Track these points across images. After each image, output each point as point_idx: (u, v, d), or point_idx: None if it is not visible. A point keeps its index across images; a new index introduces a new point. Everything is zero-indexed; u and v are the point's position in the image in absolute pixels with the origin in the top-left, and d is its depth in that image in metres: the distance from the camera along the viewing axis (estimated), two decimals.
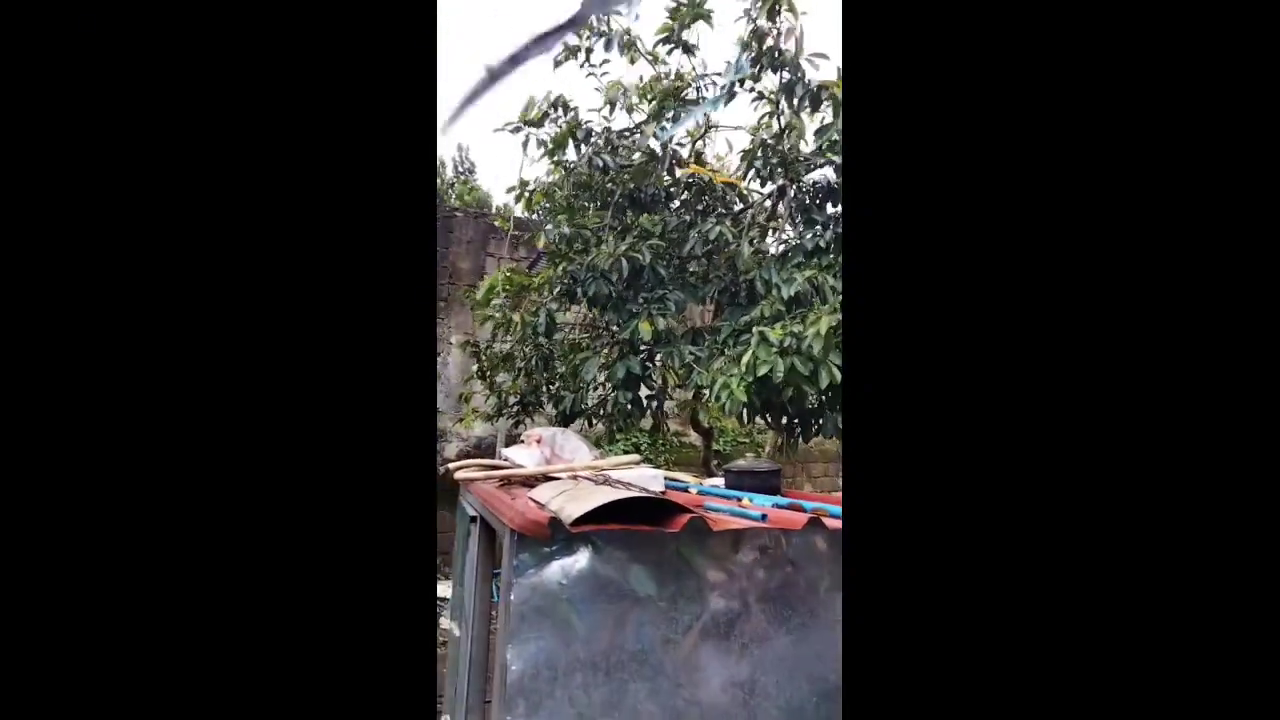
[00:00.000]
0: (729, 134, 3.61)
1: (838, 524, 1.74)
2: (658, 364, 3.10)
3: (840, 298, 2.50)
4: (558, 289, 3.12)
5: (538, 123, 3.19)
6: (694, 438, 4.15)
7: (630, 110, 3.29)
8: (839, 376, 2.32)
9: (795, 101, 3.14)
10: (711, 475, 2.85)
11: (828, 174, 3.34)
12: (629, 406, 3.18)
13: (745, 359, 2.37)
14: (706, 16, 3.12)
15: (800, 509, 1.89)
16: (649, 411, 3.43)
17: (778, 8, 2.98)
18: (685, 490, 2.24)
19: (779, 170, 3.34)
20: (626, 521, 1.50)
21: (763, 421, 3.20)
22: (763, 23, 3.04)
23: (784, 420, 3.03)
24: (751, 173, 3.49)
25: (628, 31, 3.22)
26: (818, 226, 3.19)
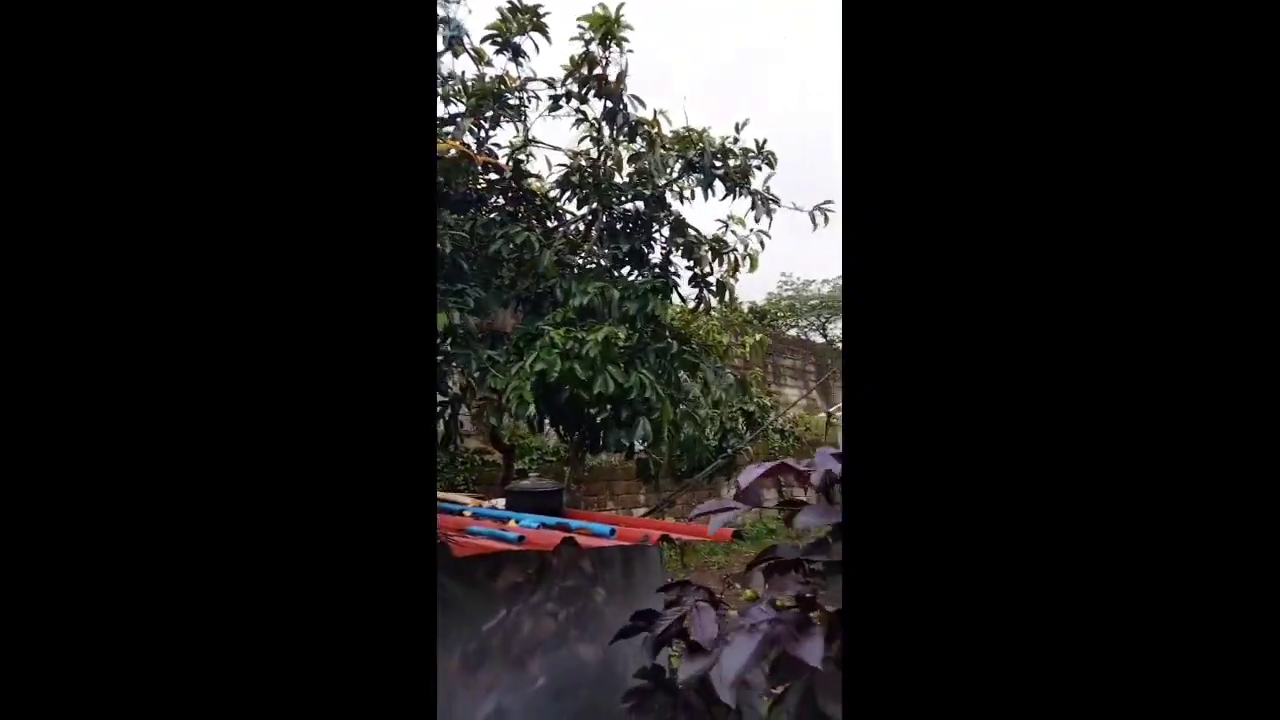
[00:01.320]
0: (548, 152, 3.66)
1: (594, 542, 1.76)
2: (454, 368, 2.93)
3: (624, 312, 2.63)
4: None
5: None
6: (497, 456, 3.99)
7: (447, 101, 3.16)
8: (612, 386, 2.42)
9: (614, 131, 3.31)
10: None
11: (639, 205, 3.57)
12: None
13: (530, 360, 2.36)
14: (543, 28, 3.16)
15: (566, 529, 1.89)
16: (441, 421, 3.22)
17: (609, 40, 3.14)
18: (459, 514, 2.12)
19: (593, 195, 3.47)
20: None
21: (555, 434, 3.19)
22: (594, 49, 3.17)
23: (575, 434, 3.06)
24: (568, 194, 3.59)
25: (454, 21, 3.13)
26: (622, 247, 3.36)
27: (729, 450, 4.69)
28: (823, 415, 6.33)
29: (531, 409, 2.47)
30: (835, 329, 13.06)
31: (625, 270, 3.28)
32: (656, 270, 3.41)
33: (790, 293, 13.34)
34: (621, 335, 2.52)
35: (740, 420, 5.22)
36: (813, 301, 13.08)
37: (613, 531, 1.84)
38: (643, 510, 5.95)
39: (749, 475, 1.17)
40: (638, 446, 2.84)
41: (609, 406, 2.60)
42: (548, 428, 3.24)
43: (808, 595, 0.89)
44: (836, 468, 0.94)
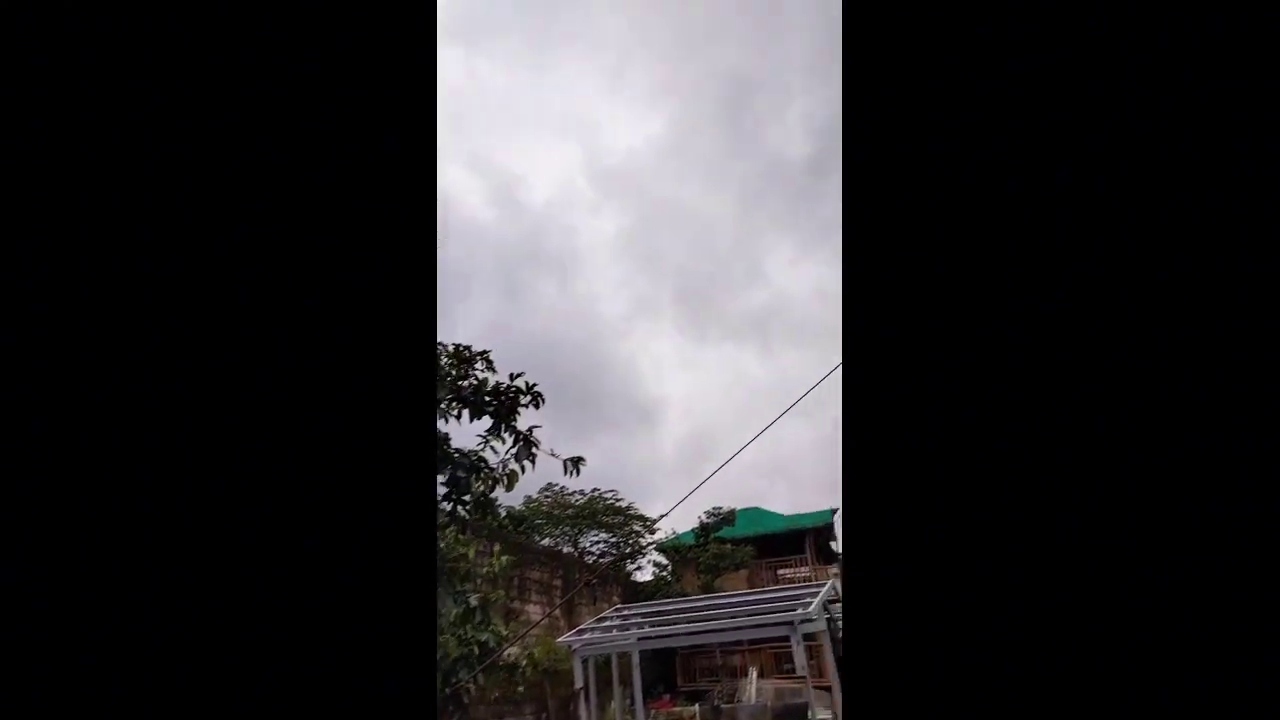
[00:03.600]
0: None
1: None
2: None
3: None
4: None
5: None
6: None
7: None
8: None
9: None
10: None
11: None
12: None
13: None
14: None
15: None
16: None
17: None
18: None
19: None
20: None
21: None
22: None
23: None
24: None
25: None
26: None
27: (453, 685, 4.28)
28: (564, 639, 6.18)
29: None
30: (585, 541, 13.45)
31: None
32: None
33: (549, 498, 13.61)
34: None
35: (474, 649, 4.86)
36: (569, 511, 13.47)
37: None
38: None
39: None
40: None
41: None
42: None
43: None
44: None
